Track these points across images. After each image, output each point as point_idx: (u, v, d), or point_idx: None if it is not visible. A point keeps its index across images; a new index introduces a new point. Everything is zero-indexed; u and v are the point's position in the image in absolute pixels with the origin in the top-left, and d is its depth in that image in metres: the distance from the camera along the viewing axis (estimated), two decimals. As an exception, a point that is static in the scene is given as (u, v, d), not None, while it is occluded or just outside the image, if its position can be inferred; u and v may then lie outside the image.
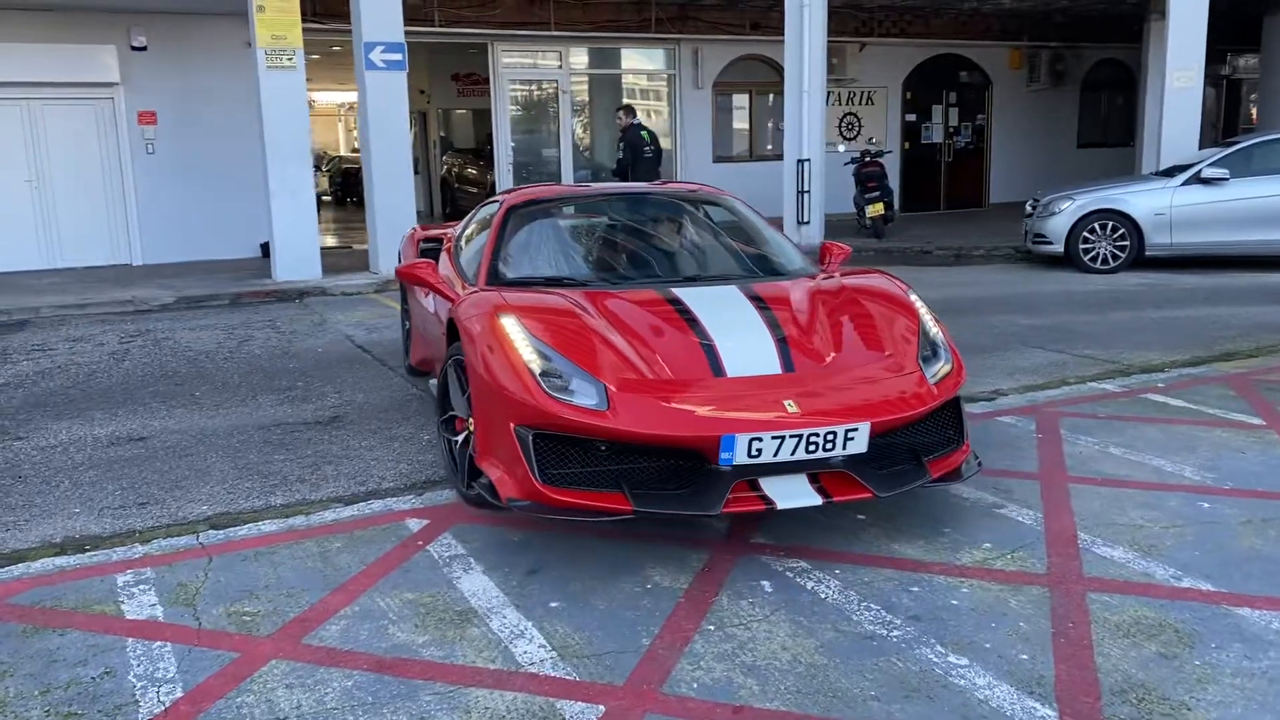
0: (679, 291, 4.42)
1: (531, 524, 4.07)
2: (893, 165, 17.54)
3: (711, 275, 4.98)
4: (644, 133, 12.29)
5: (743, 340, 4.00)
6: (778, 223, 14.58)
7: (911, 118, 18.77)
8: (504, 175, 15.85)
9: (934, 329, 4.29)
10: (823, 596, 3.48)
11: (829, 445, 3.60)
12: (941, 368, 4.09)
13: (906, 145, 18.71)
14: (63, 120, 13.09)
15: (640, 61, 17.11)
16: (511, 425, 3.68)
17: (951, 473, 3.96)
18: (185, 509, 4.47)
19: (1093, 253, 11.41)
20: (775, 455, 3.57)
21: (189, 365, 7.47)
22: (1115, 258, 11.34)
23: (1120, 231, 11.28)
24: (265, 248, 12.66)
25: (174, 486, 4.78)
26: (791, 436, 3.55)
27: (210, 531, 4.15)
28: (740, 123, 17.89)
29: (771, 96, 17.29)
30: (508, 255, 5.03)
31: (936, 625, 3.25)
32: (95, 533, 4.21)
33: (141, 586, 3.64)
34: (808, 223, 14.12)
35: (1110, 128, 20.56)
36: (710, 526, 4.07)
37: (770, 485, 3.62)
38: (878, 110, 18.46)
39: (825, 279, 4.72)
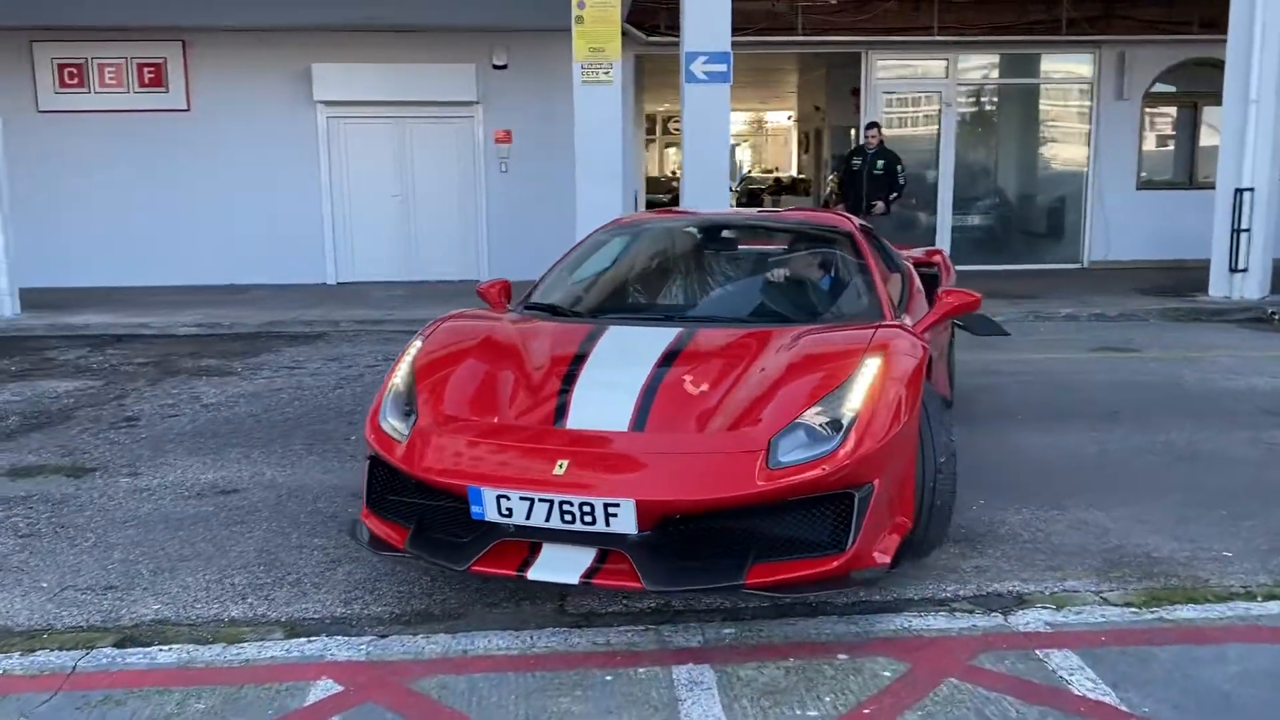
0: (622, 330, 4.27)
1: None
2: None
3: (728, 317, 4.55)
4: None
5: (608, 389, 3.73)
6: (1198, 266, 11.58)
7: None
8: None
9: (854, 404, 3.44)
10: None
11: (587, 518, 3.22)
12: (817, 451, 3.29)
13: None
14: (427, 138, 13.58)
15: (1047, 69, 14.55)
16: None
17: (818, 579, 3.24)
18: (137, 606, 3.67)
19: None
20: (528, 518, 3.27)
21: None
22: None
23: None
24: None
25: (173, 566, 4.03)
26: (542, 501, 3.25)
27: (108, 650, 3.30)
28: (1176, 142, 14.66)
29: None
30: (557, 279, 5.05)
31: None
32: (4, 625, 3.52)
33: (-76, 728, 2.84)
34: (1244, 270, 11.03)
35: None
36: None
37: (550, 553, 3.33)
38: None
39: (822, 334, 4.04)
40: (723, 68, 10.47)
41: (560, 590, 3.65)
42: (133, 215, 13.25)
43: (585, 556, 3.29)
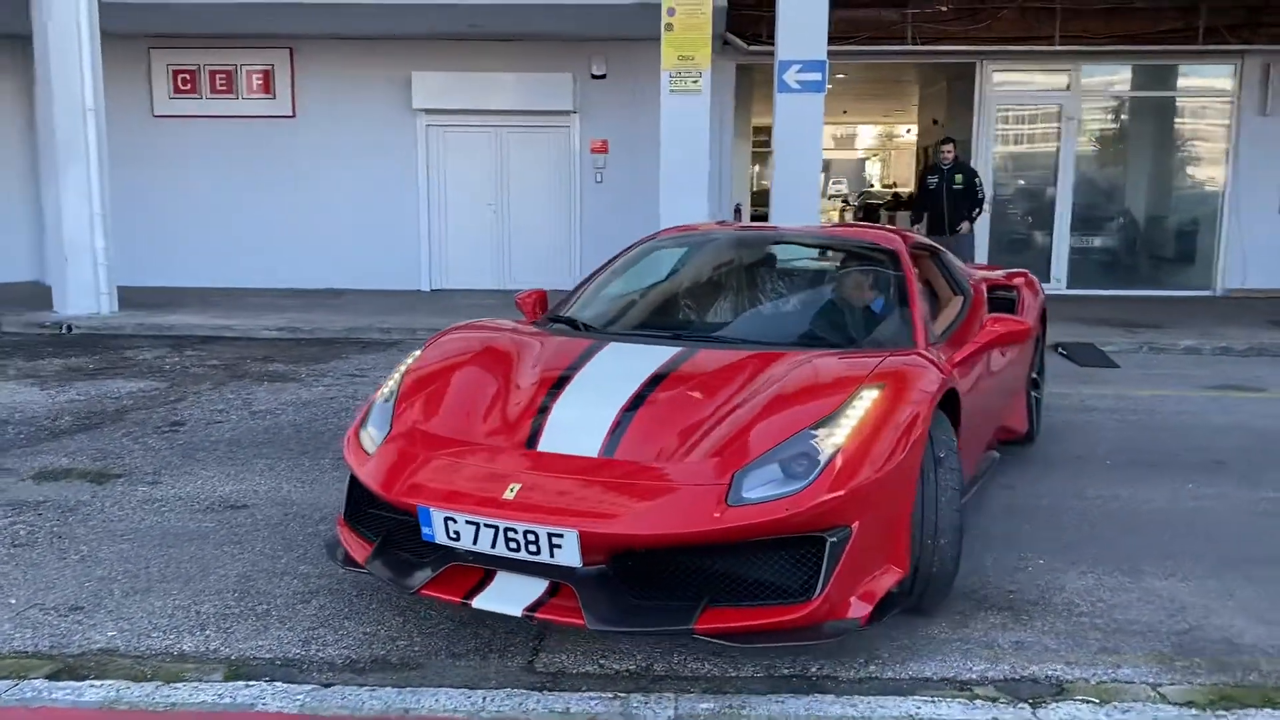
0: (620, 347, 4.08)
1: None
2: None
3: (738, 338, 4.32)
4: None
5: (586, 411, 3.53)
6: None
7: None
8: (984, 216, 13.37)
9: (837, 439, 3.17)
10: None
11: (532, 547, 3.06)
12: (787, 489, 3.04)
13: None
14: (523, 147, 13.46)
15: (1182, 82, 13.53)
16: None
17: (779, 629, 3.01)
18: (93, 632, 3.48)
19: None
20: (475, 543, 3.13)
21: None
22: None
23: None
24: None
25: (148, 587, 3.84)
26: (488, 526, 3.10)
27: (37, 683, 3.10)
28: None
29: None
30: (586, 291, 4.90)
31: None
32: (-50, 646, 3.38)
33: None
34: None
35: None
36: None
37: (501, 581, 3.18)
38: None
39: (825, 361, 3.76)
40: (817, 77, 9.99)
41: (508, 620, 3.39)
42: (237, 218, 13.53)
43: (536, 588, 3.12)
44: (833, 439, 3.16)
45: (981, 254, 13.36)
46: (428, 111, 13.26)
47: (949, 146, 11.45)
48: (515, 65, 13.04)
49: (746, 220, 15.37)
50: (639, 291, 5.02)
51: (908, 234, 5.35)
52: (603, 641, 3.40)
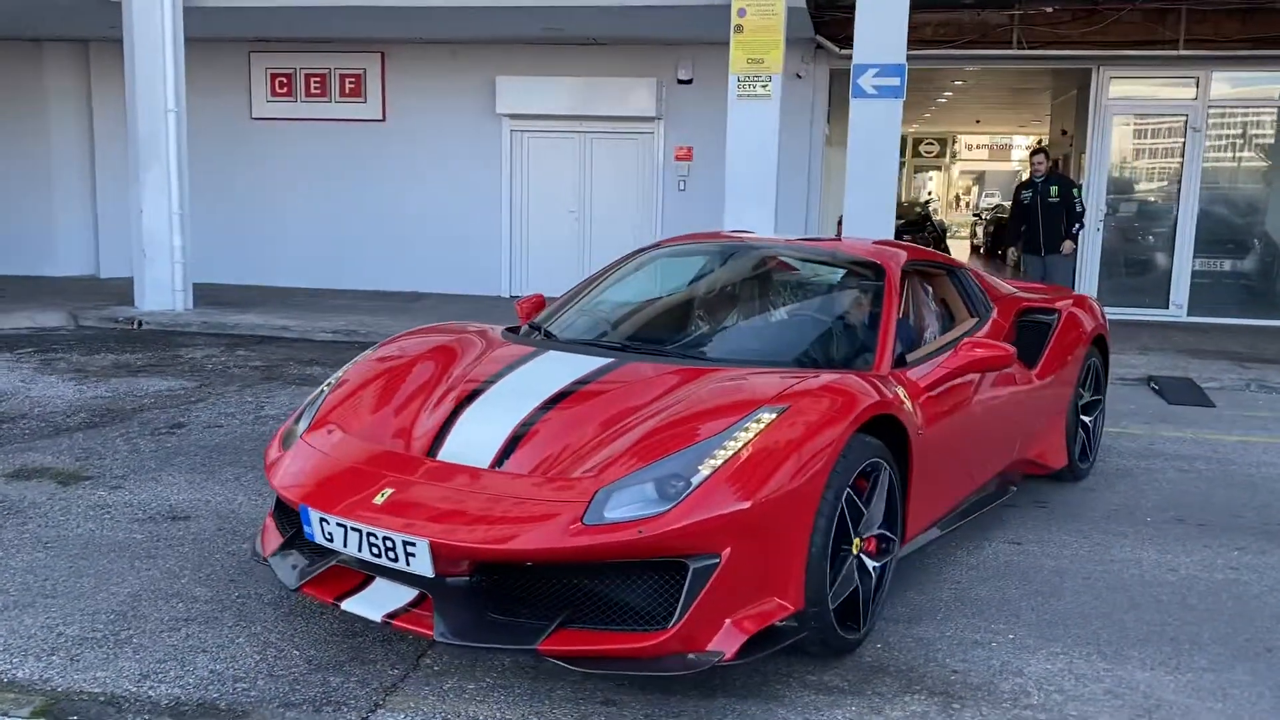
0: (552, 356, 4.01)
1: None
2: None
3: (675, 353, 4.15)
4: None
5: (487, 422, 3.48)
6: None
7: None
8: (1092, 237, 12.42)
9: (714, 461, 3.02)
10: None
11: (391, 554, 3.01)
12: (650, 510, 2.89)
13: None
14: (607, 155, 13.21)
15: (1328, 90, 12.24)
16: None
17: (629, 656, 2.86)
18: (-53, 646, 3.34)
19: None
20: (345, 546, 3.12)
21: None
22: None
23: None
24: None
25: (31, 602, 3.69)
26: (354, 530, 3.08)
27: None
28: None
29: None
30: (568, 299, 4.83)
31: None
32: None
33: None
34: None
35: None
36: None
37: (377, 586, 3.16)
38: None
39: (742, 379, 3.59)
40: (895, 81, 9.37)
41: (369, 624, 3.27)
42: (328, 220, 13.72)
43: (405, 596, 3.09)
44: (709, 461, 3.02)
45: (1092, 277, 12.42)
46: (511, 116, 13.15)
47: (1040, 157, 10.63)
48: (598, 70, 12.80)
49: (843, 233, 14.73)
50: (612, 301, 4.85)
51: (914, 251, 4.96)
52: (462, 697, 3.06)
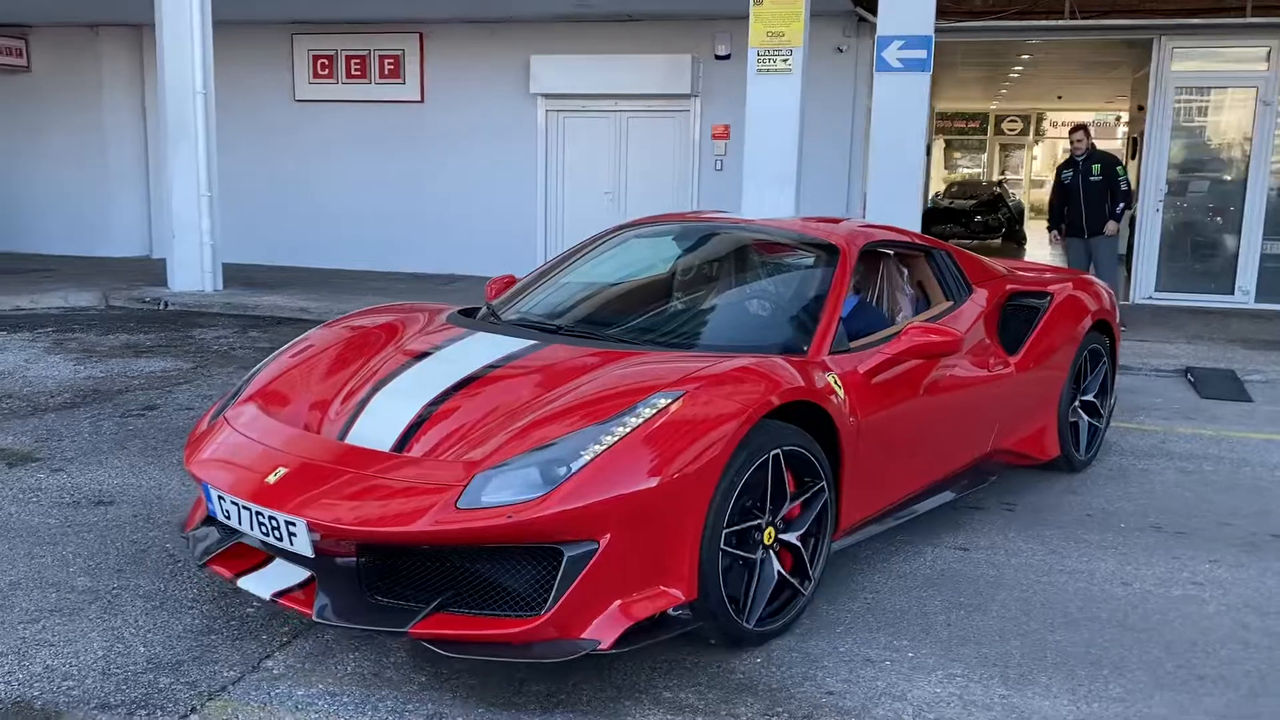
0: (475, 338, 3.98)
1: None
2: None
3: (599, 335, 4.03)
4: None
5: (397, 404, 3.46)
6: None
7: None
8: (1151, 218, 11.73)
9: (597, 446, 2.95)
10: None
11: (276, 533, 3.05)
12: (526, 495, 2.85)
13: None
14: (643, 134, 12.94)
15: None
16: None
17: (501, 641, 2.85)
18: None
19: None
20: (240, 524, 3.17)
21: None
22: None
23: None
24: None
25: (-85, 588, 3.67)
26: (244, 508, 3.12)
27: None
28: None
29: None
30: (524, 282, 4.76)
31: None
32: None
33: None
34: None
35: None
36: None
37: (276, 565, 3.18)
38: None
39: (651, 363, 3.55)
40: (921, 54, 8.92)
41: (230, 620, 3.18)
42: (367, 202, 13.76)
43: (297, 575, 3.13)
44: (595, 448, 2.96)
45: (1150, 260, 11.73)
46: (546, 96, 12.98)
47: (1080, 135, 9.85)
48: (633, 47, 12.54)
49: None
50: (567, 283, 4.76)
51: (884, 232, 4.85)
52: (285, 704, 2.91)
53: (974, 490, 4.61)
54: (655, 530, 2.95)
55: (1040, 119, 30.11)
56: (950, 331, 3.96)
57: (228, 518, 3.22)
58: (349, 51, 13.64)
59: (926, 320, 4.41)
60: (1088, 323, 5.32)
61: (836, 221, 5.04)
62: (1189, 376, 7.95)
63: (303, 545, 2.99)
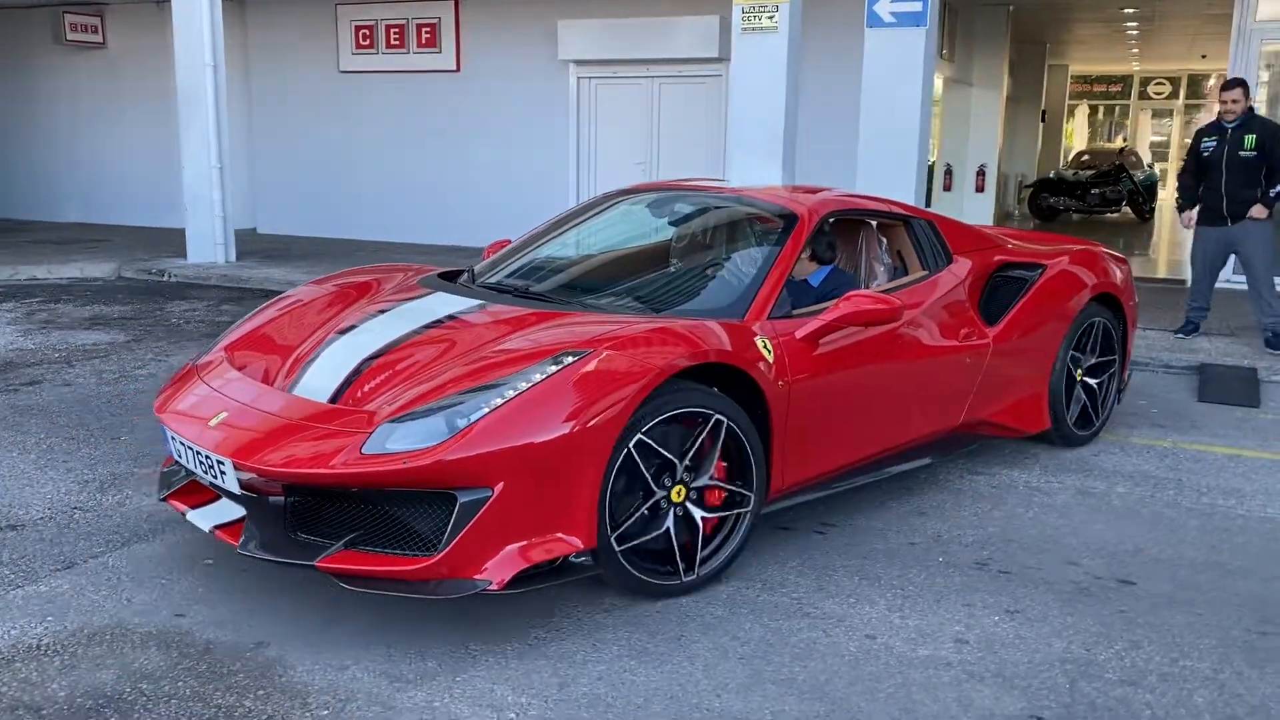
0: (429, 298, 4.19)
1: None
2: None
3: (544, 297, 4.25)
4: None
5: (341, 359, 3.67)
6: None
7: None
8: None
9: (495, 399, 3.15)
10: None
11: (211, 471, 3.37)
12: (426, 443, 3.06)
13: None
14: (675, 102, 12.35)
15: None
16: None
17: (397, 578, 3.09)
18: None
19: None
20: (191, 464, 3.49)
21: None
22: None
23: None
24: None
25: None
26: (187, 447, 3.46)
27: None
28: None
29: None
30: (511, 246, 4.93)
31: None
32: None
33: None
34: None
35: None
36: None
37: (221, 502, 3.52)
38: None
39: (580, 324, 3.69)
40: (917, 6, 8.03)
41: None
42: (405, 173, 13.66)
43: (235, 512, 3.42)
44: (497, 400, 3.15)
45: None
46: (577, 63, 12.52)
47: (1235, 93, 7.45)
48: (660, 9, 11.91)
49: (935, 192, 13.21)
50: (538, 248, 4.90)
51: (854, 201, 4.85)
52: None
53: (951, 457, 4.81)
54: (551, 481, 3.12)
55: (1189, 81, 27.57)
56: (888, 300, 3.96)
57: (179, 456, 3.55)
58: (388, 21, 13.52)
59: (892, 288, 4.47)
60: (1084, 296, 5.19)
61: (815, 191, 4.90)
62: (1201, 374, 6.88)
63: (231, 483, 3.28)
